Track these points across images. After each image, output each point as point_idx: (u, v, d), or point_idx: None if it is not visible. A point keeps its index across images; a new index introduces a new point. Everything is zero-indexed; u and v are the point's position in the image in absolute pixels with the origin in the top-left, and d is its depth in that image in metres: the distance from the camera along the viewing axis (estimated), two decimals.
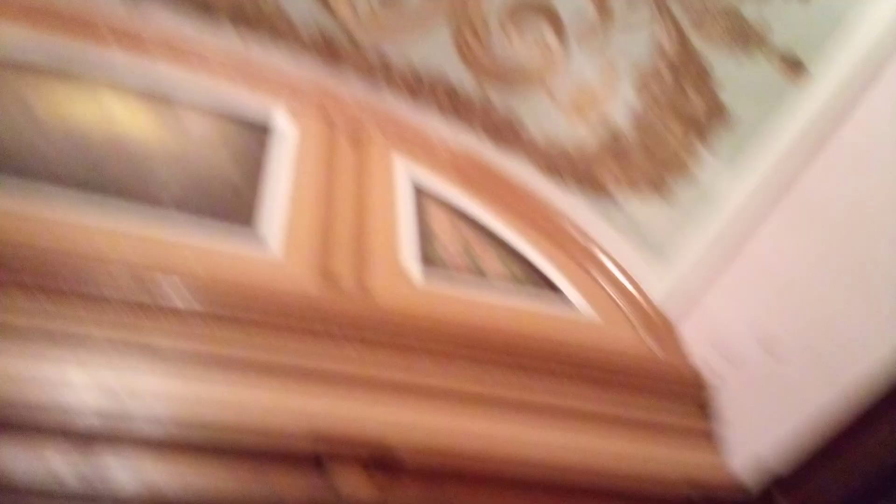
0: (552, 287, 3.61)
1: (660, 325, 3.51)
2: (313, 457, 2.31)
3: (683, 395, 3.18)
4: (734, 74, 3.16)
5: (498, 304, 3.26)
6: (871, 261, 2.56)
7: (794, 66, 2.98)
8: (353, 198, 3.46)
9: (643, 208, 3.63)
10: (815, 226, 2.84)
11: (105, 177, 2.98)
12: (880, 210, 2.57)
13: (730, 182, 3.26)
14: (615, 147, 3.65)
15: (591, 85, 3.66)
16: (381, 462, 2.37)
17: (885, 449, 2.30)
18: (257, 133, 3.68)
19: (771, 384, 2.86)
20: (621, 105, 3.59)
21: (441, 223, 3.70)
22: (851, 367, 2.50)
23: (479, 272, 3.50)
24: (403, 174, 3.81)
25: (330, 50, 4.01)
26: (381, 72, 4.05)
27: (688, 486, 2.77)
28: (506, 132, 4.00)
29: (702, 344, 3.32)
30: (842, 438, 2.45)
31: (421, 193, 3.81)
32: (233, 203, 3.22)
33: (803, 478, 2.56)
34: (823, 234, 2.79)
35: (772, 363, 2.88)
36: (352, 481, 2.29)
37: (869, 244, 2.58)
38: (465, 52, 3.88)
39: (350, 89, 4.10)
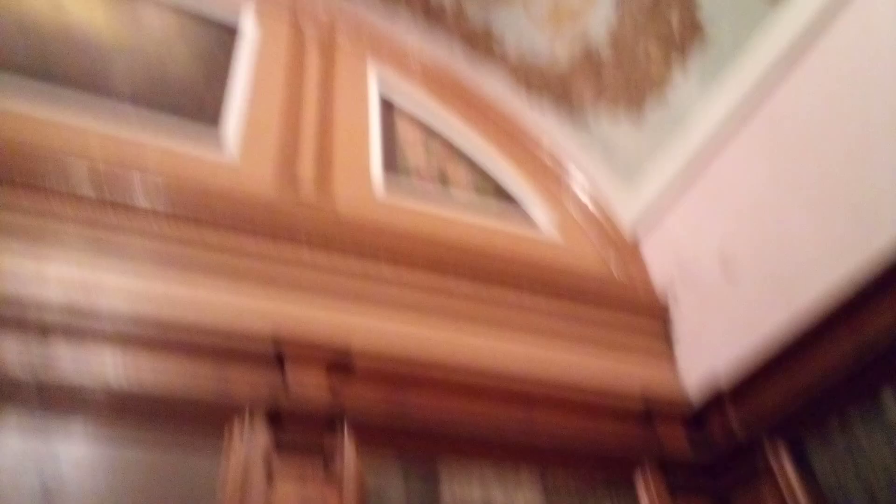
0: (518, 204, 3.60)
1: (622, 246, 3.55)
2: (274, 358, 2.32)
3: (642, 314, 3.25)
4: None
5: (462, 219, 3.25)
6: (831, 186, 2.59)
7: None
8: (319, 104, 3.37)
9: (613, 128, 3.60)
10: (780, 150, 2.85)
11: (59, 68, 2.85)
12: (843, 136, 2.58)
13: (700, 104, 3.24)
14: (590, 64, 3.59)
15: None
16: (340, 365, 2.40)
17: (829, 369, 2.39)
18: (223, 33, 3.53)
19: (727, 305, 2.93)
20: (599, 21, 3.51)
21: (409, 135, 3.64)
22: (806, 290, 2.56)
23: (445, 186, 3.47)
24: (373, 84, 3.71)
25: None
26: None
27: (642, 400, 2.86)
28: (479, 44, 3.90)
29: (663, 265, 3.38)
30: (790, 357, 2.54)
31: (390, 104, 3.73)
32: (194, 103, 3.11)
33: (751, 392, 2.66)
34: (787, 158, 2.81)
35: (729, 284, 2.94)
36: (311, 383, 2.31)
37: (830, 169, 2.61)
38: None
39: None
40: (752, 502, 2.59)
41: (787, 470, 2.50)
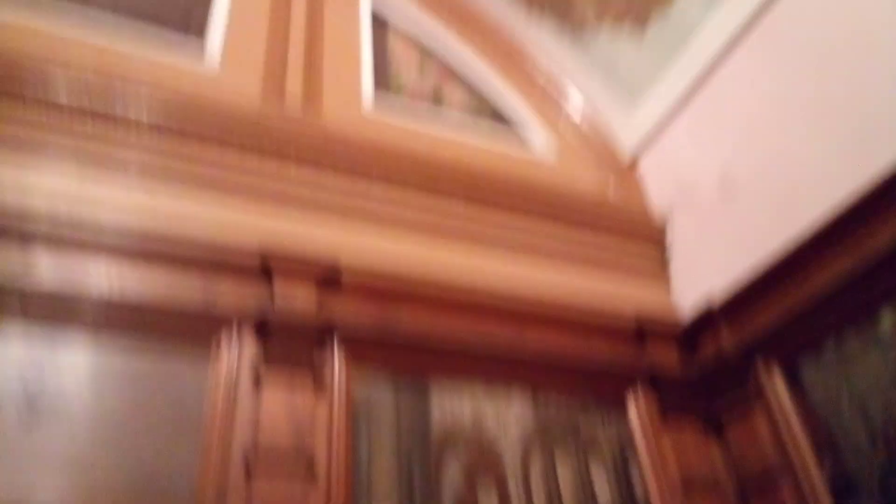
0: (514, 126, 3.51)
1: (620, 168, 3.48)
2: (261, 271, 2.28)
3: (638, 237, 3.20)
4: None
5: (455, 139, 3.16)
6: (833, 103, 2.49)
7: None
8: (308, 19, 3.22)
9: (613, 47, 3.47)
10: (782, 68, 2.74)
11: None
12: (846, 53, 2.47)
13: (702, 22, 3.11)
14: None
15: None
16: (329, 280, 2.36)
17: (827, 286, 2.35)
18: None
19: (725, 226, 2.87)
20: None
21: (403, 53, 3.51)
22: (806, 208, 2.49)
23: (439, 106, 3.37)
24: None
25: None
26: None
27: (635, 319, 2.84)
28: None
29: (661, 187, 3.31)
30: (787, 275, 2.49)
31: (384, 22, 3.58)
32: (180, 14, 2.98)
33: (744, 311, 2.63)
34: (789, 76, 2.70)
35: (728, 205, 2.88)
36: (300, 297, 2.27)
37: (832, 87, 2.51)
38: None
39: None
40: (742, 421, 2.59)
41: (778, 389, 2.49)
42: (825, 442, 2.33)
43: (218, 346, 2.12)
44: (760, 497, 2.47)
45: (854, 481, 2.22)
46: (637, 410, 2.67)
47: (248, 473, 1.96)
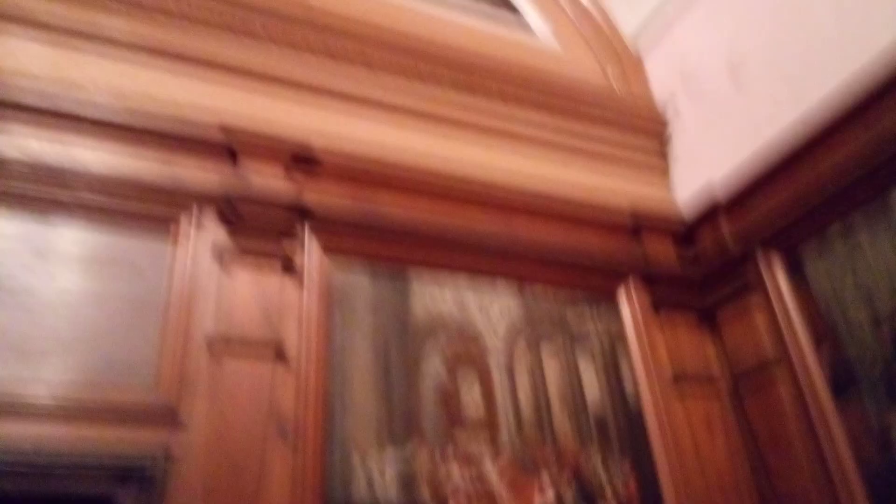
0: (515, 12, 3.26)
1: (624, 58, 3.25)
2: (226, 150, 2.13)
3: (640, 129, 3.01)
4: None
5: (448, 18, 2.93)
6: None
7: None
8: None
9: None
10: None
11: None
12: None
13: None
14: None
15: None
16: (301, 161, 2.21)
17: (838, 169, 2.18)
18: None
19: (732, 112, 2.67)
20: None
21: None
22: (817, 87, 2.30)
23: None
24: None
25: None
26: None
27: (631, 214, 2.69)
28: None
29: (666, 77, 3.08)
30: (796, 161, 2.32)
31: None
32: None
33: (748, 202, 2.48)
34: None
35: (736, 90, 2.67)
36: (268, 177, 2.13)
37: None
38: None
39: None
40: (739, 316, 2.47)
41: (779, 281, 2.36)
42: (826, 335, 2.21)
43: (179, 226, 1.99)
44: (755, 393, 2.37)
45: (855, 373, 2.11)
46: (629, 306, 2.56)
47: (214, 358, 1.87)
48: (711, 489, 2.31)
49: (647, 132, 3.01)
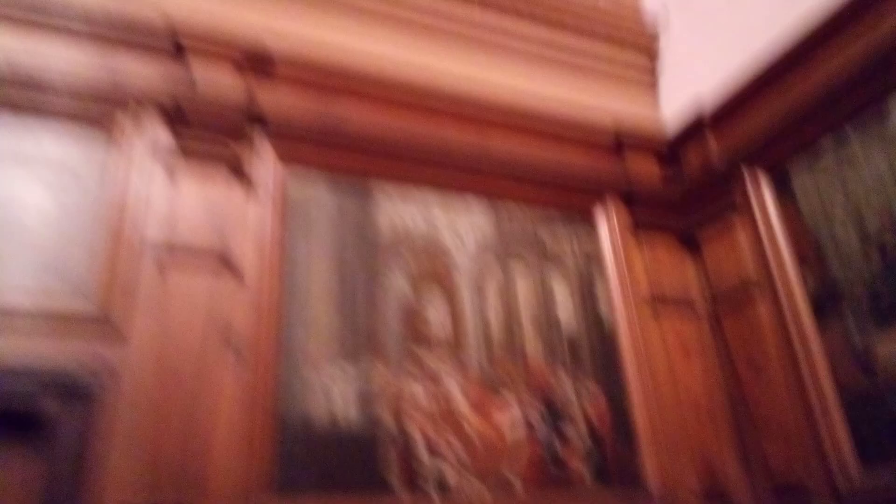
0: None
1: None
2: (173, 49, 1.96)
3: (628, 42, 2.82)
4: None
5: None
6: None
7: None
8: None
9: None
10: None
11: None
12: None
13: None
14: None
15: None
16: (256, 64, 2.04)
17: (832, 77, 2.03)
18: None
19: (724, 21, 2.49)
20: None
21: None
22: None
23: None
24: None
25: None
26: None
27: (613, 132, 2.55)
28: None
29: None
30: (789, 70, 2.16)
31: None
32: None
33: (736, 116, 2.33)
34: None
35: (728, 1, 2.49)
36: (219, 80, 1.97)
37: None
38: None
39: None
40: (721, 236, 2.36)
41: (765, 198, 2.24)
42: (811, 253, 2.11)
43: (115, 125, 1.84)
44: (734, 314, 2.28)
45: (838, 292, 2.01)
46: (608, 225, 2.44)
47: (158, 268, 1.75)
48: (685, 413, 2.24)
49: (636, 46, 2.83)
